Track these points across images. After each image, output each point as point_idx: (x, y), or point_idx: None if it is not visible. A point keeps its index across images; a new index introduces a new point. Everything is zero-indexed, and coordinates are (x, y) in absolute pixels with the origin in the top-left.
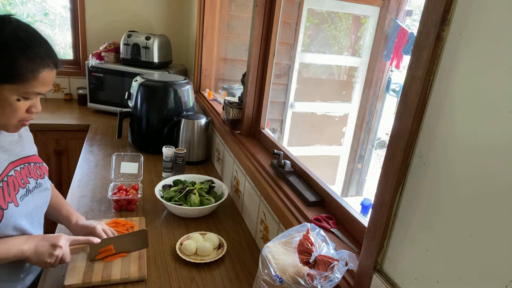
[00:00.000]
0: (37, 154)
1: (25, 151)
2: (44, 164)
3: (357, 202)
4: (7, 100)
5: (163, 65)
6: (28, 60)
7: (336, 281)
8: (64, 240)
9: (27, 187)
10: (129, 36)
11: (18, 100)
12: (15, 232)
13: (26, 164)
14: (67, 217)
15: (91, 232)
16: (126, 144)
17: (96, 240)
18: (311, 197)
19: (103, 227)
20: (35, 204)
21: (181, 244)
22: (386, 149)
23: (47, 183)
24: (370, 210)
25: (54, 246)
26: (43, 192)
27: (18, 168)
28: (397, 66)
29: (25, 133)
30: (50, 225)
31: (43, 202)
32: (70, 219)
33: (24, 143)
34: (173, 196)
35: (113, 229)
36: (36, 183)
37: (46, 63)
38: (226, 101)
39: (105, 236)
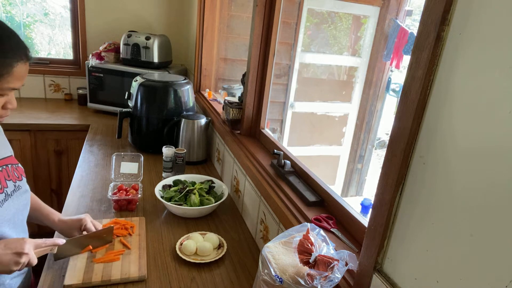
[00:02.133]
0: (12, 155)
1: (1, 153)
2: (19, 165)
3: (357, 202)
4: None
5: (163, 65)
6: (1, 56)
7: (336, 281)
8: (28, 245)
9: (5, 191)
10: (129, 36)
11: None
12: None
13: (4, 167)
14: (48, 216)
15: (82, 224)
16: (126, 144)
17: (61, 241)
18: (311, 197)
19: (90, 219)
20: (15, 208)
21: (181, 244)
22: (386, 149)
23: (25, 185)
24: (370, 210)
25: (20, 254)
26: (23, 194)
27: (1, 170)
28: (397, 66)
29: None
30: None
31: (24, 205)
32: (53, 218)
33: None
34: (173, 196)
35: (97, 223)
36: (15, 186)
37: (19, 56)
38: (226, 101)
39: (93, 229)
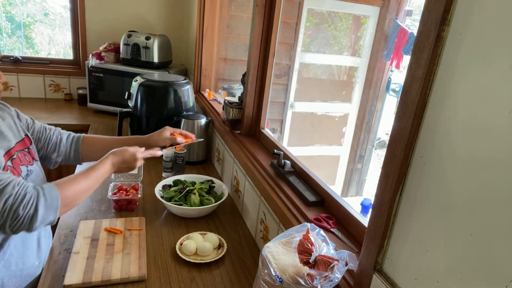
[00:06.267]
0: (28, 134)
1: (11, 141)
2: (31, 147)
3: (357, 202)
4: None
5: (163, 65)
6: None
7: (336, 281)
8: (140, 154)
9: (20, 177)
10: (129, 36)
11: None
12: None
13: (17, 153)
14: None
15: (169, 131)
16: None
17: (159, 153)
18: (311, 197)
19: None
20: None
21: (181, 244)
22: (386, 149)
23: (36, 169)
24: (370, 210)
25: (135, 160)
26: (35, 179)
27: (15, 157)
28: (397, 66)
29: (2, 121)
30: None
31: None
32: (135, 140)
33: (6, 133)
34: (173, 196)
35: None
36: (28, 170)
37: None
38: (226, 101)
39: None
